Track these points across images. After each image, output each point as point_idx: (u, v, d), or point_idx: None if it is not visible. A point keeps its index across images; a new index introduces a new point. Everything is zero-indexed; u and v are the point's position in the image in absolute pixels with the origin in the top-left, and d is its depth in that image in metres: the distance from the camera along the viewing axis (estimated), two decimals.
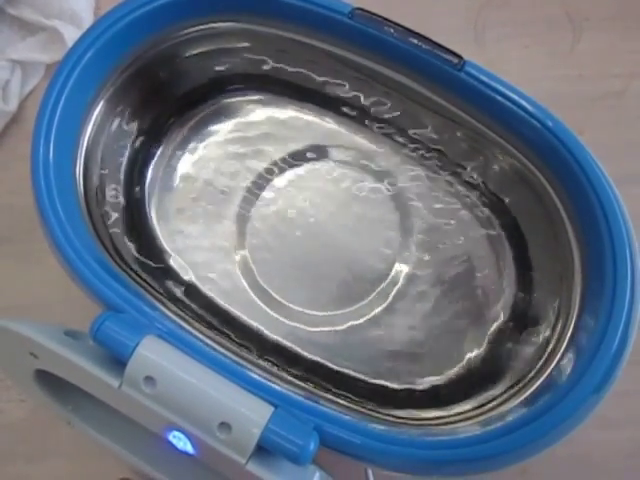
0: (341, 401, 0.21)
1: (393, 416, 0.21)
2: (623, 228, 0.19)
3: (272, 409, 0.18)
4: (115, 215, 0.24)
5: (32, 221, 0.32)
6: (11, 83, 0.33)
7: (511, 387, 0.21)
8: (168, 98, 0.25)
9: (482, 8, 0.33)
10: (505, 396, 0.21)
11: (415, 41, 0.20)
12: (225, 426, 0.17)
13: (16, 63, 0.33)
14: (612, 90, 0.32)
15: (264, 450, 0.17)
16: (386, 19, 0.21)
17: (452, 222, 0.25)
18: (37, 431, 0.29)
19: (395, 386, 0.23)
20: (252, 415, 0.17)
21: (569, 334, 0.20)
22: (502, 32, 0.33)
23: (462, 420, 0.20)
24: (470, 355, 0.23)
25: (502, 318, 0.24)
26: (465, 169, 0.25)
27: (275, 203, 0.26)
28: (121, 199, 0.24)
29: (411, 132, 0.25)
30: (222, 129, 0.27)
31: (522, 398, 0.20)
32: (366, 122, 0.26)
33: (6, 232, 0.31)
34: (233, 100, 0.26)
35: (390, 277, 0.25)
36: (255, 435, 0.17)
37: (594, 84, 0.32)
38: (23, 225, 0.31)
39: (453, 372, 0.23)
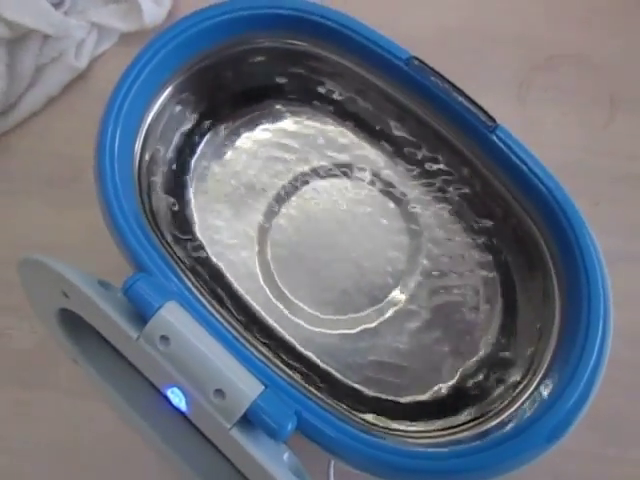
0: (322, 395, 0.23)
1: (363, 420, 0.23)
2: (602, 305, 0.21)
3: (262, 387, 0.20)
4: (160, 186, 0.26)
5: (76, 171, 0.35)
6: (85, 43, 0.36)
7: (473, 419, 0.23)
8: (228, 93, 0.28)
9: (531, 69, 0.35)
10: (465, 426, 0.23)
11: (457, 97, 0.23)
12: (220, 393, 0.19)
13: (94, 25, 0.36)
14: (635, 172, 0.33)
15: (247, 422, 0.20)
16: (436, 71, 0.23)
17: (457, 257, 0.27)
18: (41, 362, 0.31)
19: (371, 393, 0.25)
20: (245, 389, 0.19)
21: (535, 383, 0.22)
22: (544, 96, 0.34)
23: (422, 437, 0.23)
24: (442, 383, 0.25)
25: (480, 355, 0.25)
26: (479, 222, 0.27)
27: (302, 208, 0.28)
28: (168, 174, 0.26)
29: (440, 175, 0.27)
30: (268, 131, 0.29)
31: (479, 431, 0.22)
32: (400, 156, 0.28)
33: (51, 176, 0.34)
34: (284, 108, 0.29)
35: (390, 296, 0.27)
36: (244, 406, 0.19)
37: (619, 162, 0.33)
38: (67, 173, 0.33)
39: (426, 394, 0.25)
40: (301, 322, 0.26)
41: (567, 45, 0.35)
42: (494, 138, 0.23)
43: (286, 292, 0.27)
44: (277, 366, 0.23)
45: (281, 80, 0.28)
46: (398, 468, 0.21)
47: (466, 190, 0.27)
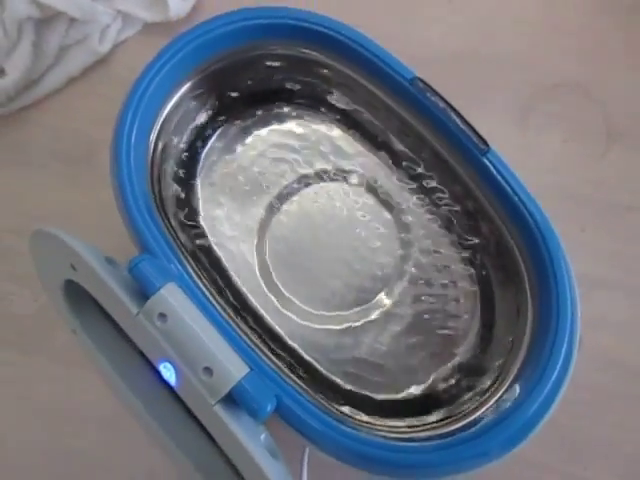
0: (303, 384, 0.25)
1: (339, 410, 0.25)
2: (568, 326, 0.23)
3: (248, 370, 0.21)
4: (170, 174, 0.28)
5: (91, 151, 0.36)
6: (110, 29, 0.37)
7: (441, 420, 0.25)
8: (241, 94, 0.29)
9: (534, 96, 0.36)
10: (433, 425, 0.25)
11: (455, 119, 0.24)
12: (208, 370, 0.21)
13: (120, 13, 0.37)
14: (624, 203, 0.34)
15: (231, 400, 0.21)
16: (437, 93, 0.24)
17: (442, 268, 0.28)
18: (38, 329, 0.32)
19: (348, 387, 0.26)
20: (232, 369, 0.21)
21: (501, 392, 0.24)
22: (545, 121, 0.35)
23: (392, 432, 0.24)
24: (416, 385, 0.27)
25: (454, 362, 0.27)
26: (465, 238, 0.28)
27: (302, 208, 0.29)
28: (179, 163, 0.28)
29: (435, 191, 0.29)
30: (277, 132, 0.30)
31: (445, 430, 0.24)
32: (399, 169, 0.30)
33: (67, 153, 0.35)
34: (294, 112, 0.30)
35: (376, 299, 0.28)
36: (229, 385, 0.21)
37: (609, 193, 0.34)
38: (82, 152, 0.35)
39: (399, 393, 0.26)
40: (290, 315, 0.28)
41: (571, 75, 0.36)
42: (485, 161, 0.25)
43: (279, 285, 0.28)
44: (264, 353, 0.24)
45: (292, 85, 0.29)
46: (367, 457, 0.22)
47: (457, 208, 0.28)
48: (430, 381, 0.27)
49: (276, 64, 0.29)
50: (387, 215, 0.29)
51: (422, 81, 0.25)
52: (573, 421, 0.30)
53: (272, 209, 0.29)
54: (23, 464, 0.30)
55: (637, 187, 0.34)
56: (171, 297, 0.22)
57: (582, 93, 0.36)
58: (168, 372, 0.22)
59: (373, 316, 0.28)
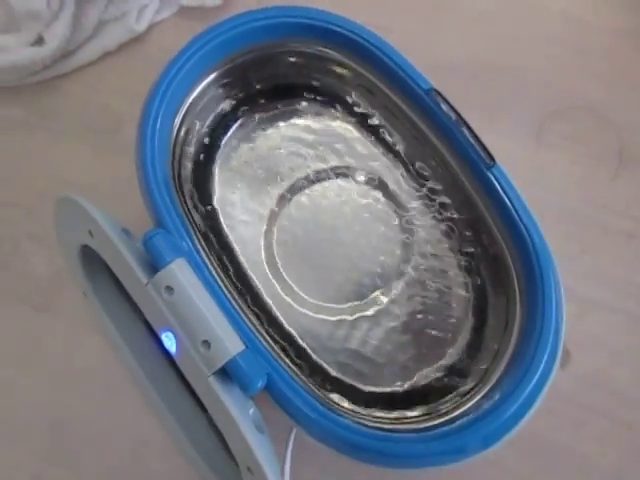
0: (295, 368, 0.26)
1: (326, 396, 0.26)
2: (550, 342, 0.24)
3: (243, 347, 0.23)
4: (190, 156, 0.29)
5: (118, 124, 0.37)
6: (147, 9, 0.38)
7: (422, 415, 0.26)
8: (265, 86, 0.31)
9: (550, 115, 0.36)
10: (414, 419, 0.26)
11: (465, 132, 0.25)
12: (206, 343, 0.22)
13: None
14: (626, 229, 0.34)
15: (225, 374, 0.23)
16: (451, 106, 0.26)
17: (439, 273, 0.29)
18: (52, 290, 0.33)
19: (338, 376, 0.28)
20: (229, 345, 0.22)
21: (480, 395, 0.25)
22: (558, 141, 0.36)
23: (373, 422, 0.26)
24: (401, 381, 0.28)
25: (441, 364, 0.28)
26: (465, 246, 0.29)
27: (311, 201, 0.31)
28: (200, 147, 0.29)
29: (440, 198, 0.30)
30: (295, 126, 0.31)
31: (425, 425, 0.25)
32: (409, 174, 0.31)
33: (95, 124, 0.36)
34: (313, 109, 0.31)
35: (373, 295, 0.29)
36: (224, 359, 0.22)
37: (614, 218, 0.34)
38: (110, 124, 0.36)
39: (385, 387, 0.28)
40: (290, 301, 0.29)
41: (589, 98, 0.37)
42: (490, 175, 0.26)
43: (282, 272, 0.30)
44: (261, 334, 0.26)
45: (315, 83, 0.31)
46: (349, 442, 0.24)
47: (459, 216, 0.29)
48: (415, 379, 0.28)
49: (301, 62, 0.30)
50: (392, 217, 0.30)
51: (438, 93, 0.26)
52: (553, 433, 0.31)
53: (283, 200, 0.31)
54: (25, 415, 0.31)
55: None
56: (179, 272, 0.23)
57: (599, 116, 0.37)
58: (169, 341, 0.24)
59: (368, 312, 0.29)
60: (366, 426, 0.25)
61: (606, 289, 0.33)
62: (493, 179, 0.26)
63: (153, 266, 0.23)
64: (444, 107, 0.26)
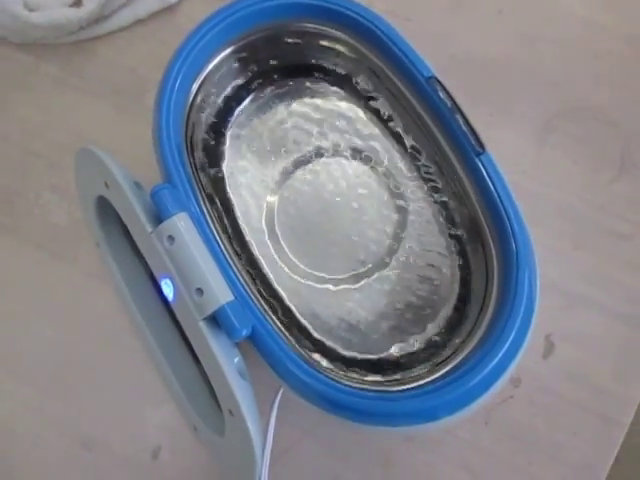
0: (280, 325, 0.28)
1: (308, 354, 0.28)
2: (519, 320, 0.25)
3: (232, 298, 0.25)
4: (204, 122, 0.31)
5: (142, 89, 0.38)
6: None
7: (396, 380, 0.28)
8: (279, 63, 0.33)
9: (556, 114, 0.37)
10: (387, 383, 0.28)
11: (459, 119, 0.27)
12: (199, 291, 0.24)
13: None
14: (619, 231, 0.35)
15: (215, 321, 0.25)
16: (448, 93, 0.27)
17: (428, 252, 0.31)
18: (68, 240, 0.35)
19: (319, 337, 0.30)
20: (219, 293, 0.24)
21: (453, 364, 0.27)
22: (563, 140, 0.37)
23: (349, 382, 0.27)
24: (380, 349, 0.30)
25: (421, 336, 0.30)
26: (455, 230, 0.31)
27: (313, 175, 0.32)
28: (214, 114, 0.31)
29: (433, 182, 0.32)
30: (304, 103, 0.33)
31: (398, 388, 0.27)
32: (405, 156, 0.32)
33: (120, 87, 0.38)
34: (322, 88, 0.33)
35: (362, 269, 0.31)
36: (214, 306, 0.24)
37: (608, 219, 0.35)
38: (134, 88, 0.38)
39: (364, 354, 0.29)
40: (283, 266, 0.31)
41: (598, 101, 0.37)
42: (478, 162, 0.27)
43: (280, 238, 0.31)
44: (251, 290, 0.28)
45: (325, 64, 0.32)
46: (325, 397, 0.25)
47: (449, 199, 0.31)
48: (394, 349, 0.30)
49: (313, 43, 0.32)
50: (387, 196, 0.32)
51: (437, 80, 0.27)
52: (531, 419, 0.32)
53: (287, 172, 0.32)
54: (34, 355, 0.33)
55: (637, 219, 0.35)
56: (181, 224, 0.25)
57: (605, 120, 0.37)
58: (168, 288, 0.26)
59: (356, 284, 0.31)
60: (341, 384, 0.27)
61: (594, 286, 0.34)
62: (481, 166, 0.27)
63: (158, 218, 0.25)
64: (442, 94, 0.27)
